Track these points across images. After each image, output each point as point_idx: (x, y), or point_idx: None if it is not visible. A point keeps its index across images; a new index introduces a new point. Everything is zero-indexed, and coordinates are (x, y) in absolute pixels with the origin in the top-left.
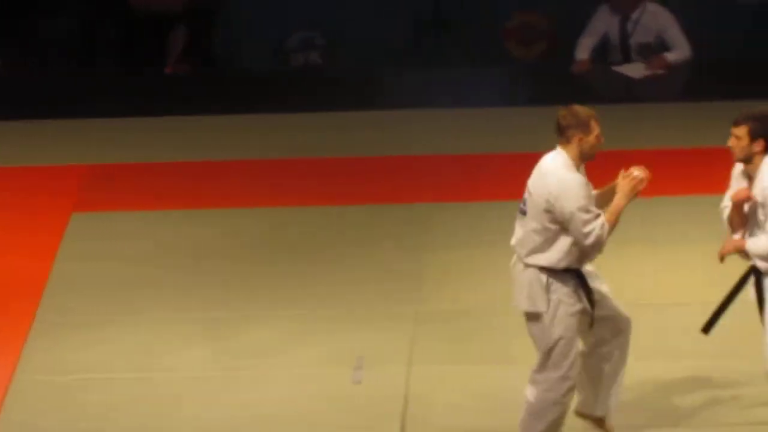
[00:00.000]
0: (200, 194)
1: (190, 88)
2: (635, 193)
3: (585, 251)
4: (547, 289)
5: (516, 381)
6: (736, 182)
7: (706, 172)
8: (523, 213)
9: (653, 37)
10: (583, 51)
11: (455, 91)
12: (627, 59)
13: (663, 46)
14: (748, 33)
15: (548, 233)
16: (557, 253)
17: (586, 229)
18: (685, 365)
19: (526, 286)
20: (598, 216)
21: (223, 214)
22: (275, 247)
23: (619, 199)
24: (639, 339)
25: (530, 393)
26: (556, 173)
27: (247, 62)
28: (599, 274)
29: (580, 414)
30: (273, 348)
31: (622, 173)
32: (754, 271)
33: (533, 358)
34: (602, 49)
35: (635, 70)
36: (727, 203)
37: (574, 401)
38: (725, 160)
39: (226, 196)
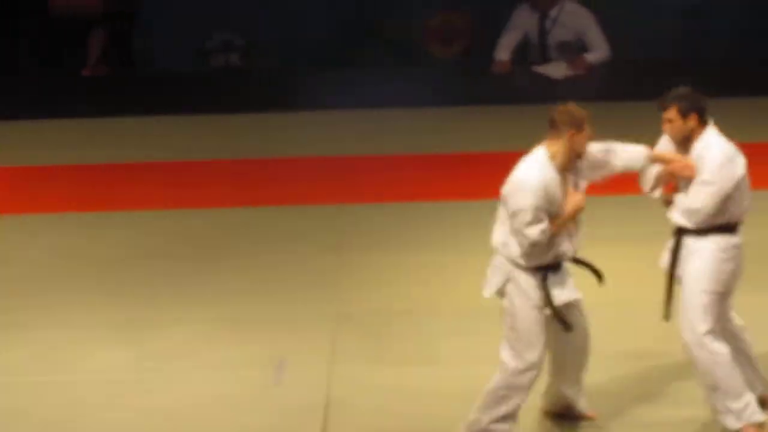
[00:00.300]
0: (117, 196)
1: (110, 90)
2: (580, 210)
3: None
4: (508, 279)
5: (438, 382)
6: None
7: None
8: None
9: (572, 36)
10: (503, 51)
11: (377, 91)
12: (546, 57)
13: (582, 44)
14: (671, 32)
15: (506, 226)
16: (511, 248)
17: (526, 231)
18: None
19: (493, 272)
20: (541, 221)
21: (139, 217)
22: (194, 249)
23: (566, 214)
24: None
25: (493, 378)
26: (522, 168)
27: (166, 64)
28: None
29: (549, 411)
30: (192, 350)
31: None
32: (677, 233)
33: (455, 358)
34: (522, 48)
35: (556, 70)
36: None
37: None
38: None
39: (144, 198)
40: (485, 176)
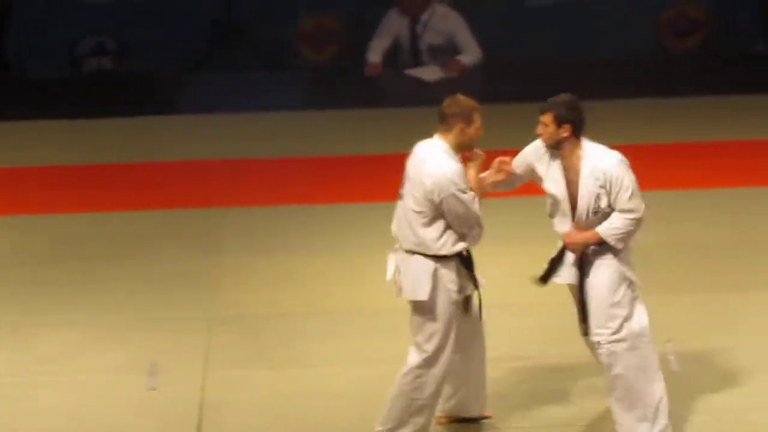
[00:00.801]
0: None
1: None
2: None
3: (466, 234)
4: (434, 276)
5: (311, 385)
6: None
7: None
8: (401, 198)
9: (443, 39)
10: (375, 54)
11: (248, 95)
12: (417, 61)
13: (453, 48)
14: (538, 34)
15: (430, 220)
16: (440, 239)
17: (473, 207)
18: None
19: (411, 274)
20: (474, 197)
21: (14, 222)
22: (70, 253)
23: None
24: (394, 342)
25: (396, 388)
26: (435, 159)
27: (38, 68)
28: None
29: (450, 417)
30: (67, 354)
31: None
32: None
33: (329, 360)
34: (394, 52)
35: (429, 73)
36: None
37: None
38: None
39: (19, 203)
40: (360, 179)
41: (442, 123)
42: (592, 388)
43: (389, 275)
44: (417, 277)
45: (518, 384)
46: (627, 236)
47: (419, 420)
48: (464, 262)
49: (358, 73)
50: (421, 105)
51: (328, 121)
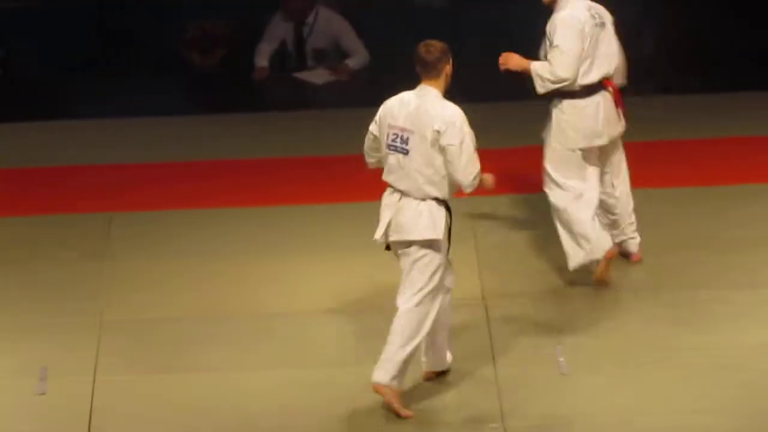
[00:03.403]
0: None
1: None
2: None
3: (457, 182)
4: (444, 217)
5: (202, 389)
6: None
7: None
8: (405, 152)
9: (327, 43)
10: (262, 58)
11: (135, 100)
12: (304, 65)
13: (338, 51)
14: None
15: (437, 167)
16: (445, 185)
17: (473, 165)
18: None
19: (425, 215)
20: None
21: None
22: None
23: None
24: (286, 346)
25: (400, 325)
26: (438, 105)
27: None
28: None
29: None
30: None
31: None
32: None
33: (220, 365)
34: (281, 56)
35: (317, 76)
36: None
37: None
38: None
39: None
40: (250, 183)
41: (428, 71)
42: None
43: (380, 230)
44: (432, 218)
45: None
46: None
47: (409, 361)
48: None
49: (245, 77)
50: (309, 108)
51: (216, 125)
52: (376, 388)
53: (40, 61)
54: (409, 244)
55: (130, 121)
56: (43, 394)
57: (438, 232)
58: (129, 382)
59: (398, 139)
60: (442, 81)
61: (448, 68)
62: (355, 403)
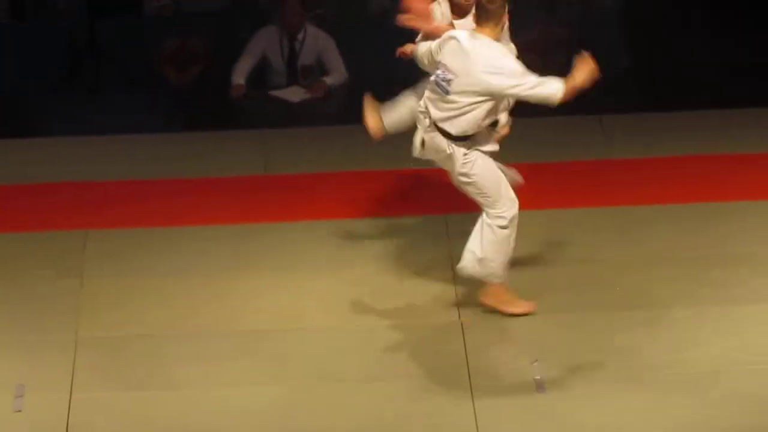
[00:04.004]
0: None
1: None
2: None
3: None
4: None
5: (179, 406)
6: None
7: (354, 195)
8: (446, 92)
9: (313, 60)
10: (239, 75)
11: (110, 117)
12: (294, 80)
13: (322, 68)
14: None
15: (479, 104)
16: (485, 119)
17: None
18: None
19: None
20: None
21: None
22: None
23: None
24: (262, 363)
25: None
26: (487, 52)
27: None
28: None
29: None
30: None
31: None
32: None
33: (196, 382)
34: (261, 73)
35: (294, 94)
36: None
37: None
38: (388, 182)
39: None
40: (225, 201)
41: (484, 18)
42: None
43: (416, 152)
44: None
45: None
46: None
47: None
48: None
49: (222, 94)
50: (285, 126)
51: (192, 143)
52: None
53: (13, 78)
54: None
55: (105, 139)
56: (20, 411)
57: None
58: (106, 399)
59: (444, 81)
60: (495, 29)
61: (504, 18)
62: (335, 419)
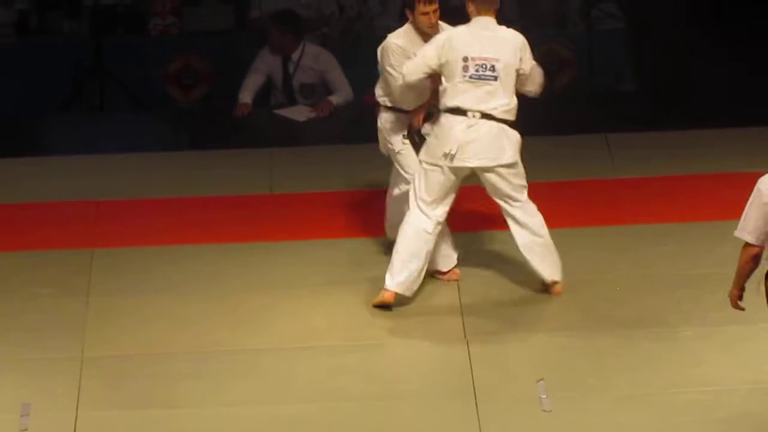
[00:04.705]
0: None
1: None
2: None
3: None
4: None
5: (183, 425)
6: None
7: (349, 213)
8: (495, 78)
9: (315, 79)
10: (246, 94)
11: (115, 136)
12: (291, 100)
13: (325, 87)
14: None
15: (513, 89)
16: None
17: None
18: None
19: (511, 141)
20: None
21: None
22: None
23: None
24: (267, 382)
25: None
26: (512, 32)
27: None
28: None
29: None
30: None
31: None
32: None
33: (200, 402)
34: (266, 91)
35: (299, 113)
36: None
37: None
38: (372, 202)
39: None
40: (231, 220)
41: (490, 4)
42: None
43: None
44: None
45: None
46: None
47: None
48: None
49: (227, 113)
50: (291, 145)
51: (196, 161)
52: None
53: (18, 98)
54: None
55: (111, 157)
56: (26, 430)
57: (515, 156)
58: (111, 418)
59: (483, 68)
60: (495, 12)
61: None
62: None
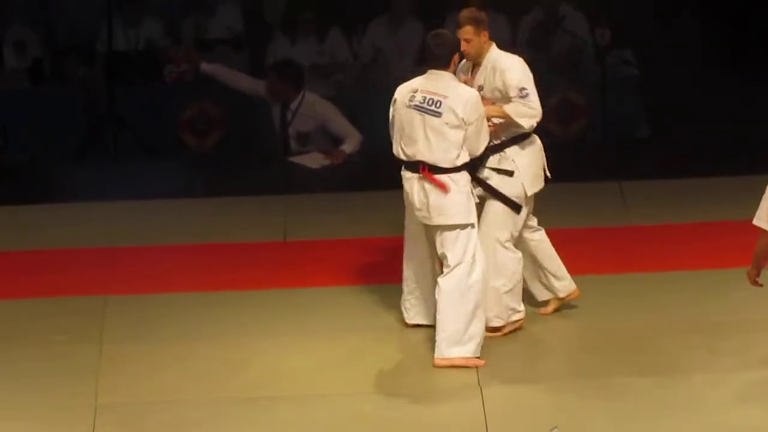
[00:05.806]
0: None
1: None
2: None
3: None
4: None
5: None
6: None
7: (363, 260)
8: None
9: (313, 127)
10: None
11: (130, 183)
12: (287, 149)
13: (327, 136)
14: None
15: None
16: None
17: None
18: None
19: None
20: None
21: None
22: None
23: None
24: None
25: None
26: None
27: None
28: None
29: None
30: None
31: None
32: None
33: None
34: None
35: (313, 160)
36: None
37: None
38: (387, 249)
39: None
40: (244, 267)
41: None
42: None
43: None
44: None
45: None
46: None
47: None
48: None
49: (240, 160)
50: (305, 192)
51: (210, 208)
52: None
53: (33, 144)
54: None
55: (125, 204)
56: None
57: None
58: None
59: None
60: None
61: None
62: None
